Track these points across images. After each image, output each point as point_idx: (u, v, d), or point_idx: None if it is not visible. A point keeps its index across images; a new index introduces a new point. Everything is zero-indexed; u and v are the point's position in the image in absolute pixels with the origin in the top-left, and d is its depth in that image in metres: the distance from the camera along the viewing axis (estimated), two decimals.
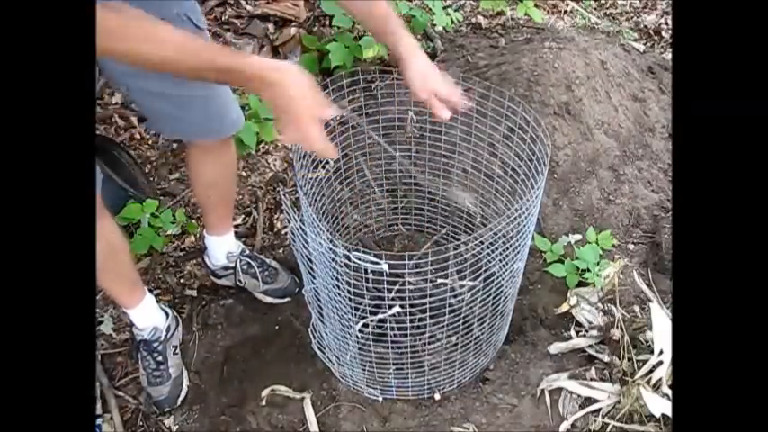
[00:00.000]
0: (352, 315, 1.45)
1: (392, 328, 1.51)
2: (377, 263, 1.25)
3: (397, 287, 1.51)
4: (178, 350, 1.74)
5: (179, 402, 1.67)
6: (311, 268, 1.41)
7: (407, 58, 1.31)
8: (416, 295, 1.46)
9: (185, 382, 1.71)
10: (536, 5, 2.58)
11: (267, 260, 1.89)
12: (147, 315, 1.68)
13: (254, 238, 2.05)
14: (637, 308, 1.73)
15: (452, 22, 2.63)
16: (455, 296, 1.57)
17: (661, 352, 1.46)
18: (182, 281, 1.96)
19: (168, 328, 1.71)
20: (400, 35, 1.31)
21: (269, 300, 1.87)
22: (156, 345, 1.68)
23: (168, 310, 1.75)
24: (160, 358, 1.68)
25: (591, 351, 1.64)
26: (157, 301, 1.73)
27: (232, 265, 1.86)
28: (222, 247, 1.84)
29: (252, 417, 1.61)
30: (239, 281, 1.87)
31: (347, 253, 1.25)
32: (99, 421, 1.63)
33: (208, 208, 1.79)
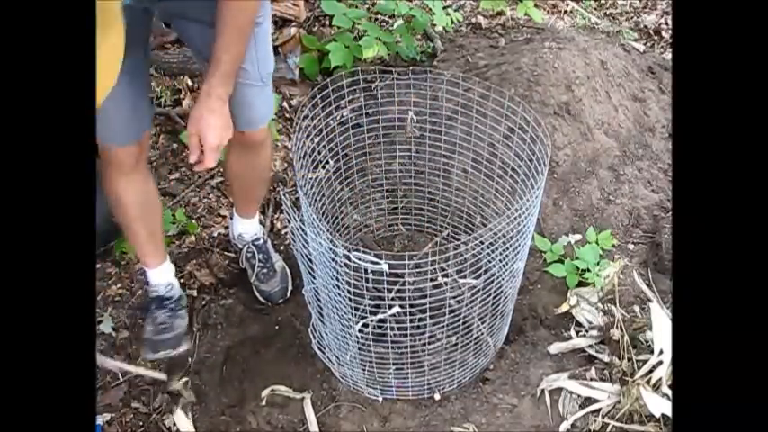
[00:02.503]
0: (352, 315, 1.45)
1: (392, 328, 1.51)
2: (377, 263, 1.25)
3: (397, 287, 1.51)
4: (185, 314, 1.79)
5: (179, 350, 1.73)
6: (311, 268, 1.42)
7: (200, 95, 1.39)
8: (416, 295, 1.46)
9: (186, 343, 1.75)
10: (536, 5, 2.58)
11: (273, 259, 1.90)
12: (165, 274, 1.76)
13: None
14: (637, 308, 1.74)
15: (452, 22, 2.63)
16: (455, 296, 1.57)
17: (661, 352, 1.46)
18: (182, 281, 1.96)
19: (181, 296, 1.80)
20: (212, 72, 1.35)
21: (255, 292, 1.89)
22: (167, 302, 1.75)
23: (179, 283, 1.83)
24: (170, 313, 1.74)
25: (591, 351, 1.64)
26: None
27: (240, 246, 1.91)
28: (237, 228, 1.90)
29: (252, 417, 1.61)
30: (241, 262, 1.93)
31: (347, 253, 1.25)
32: (99, 421, 1.63)
33: (232, 192, 1.91)
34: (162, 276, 1.75)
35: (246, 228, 1.88)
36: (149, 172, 1.65)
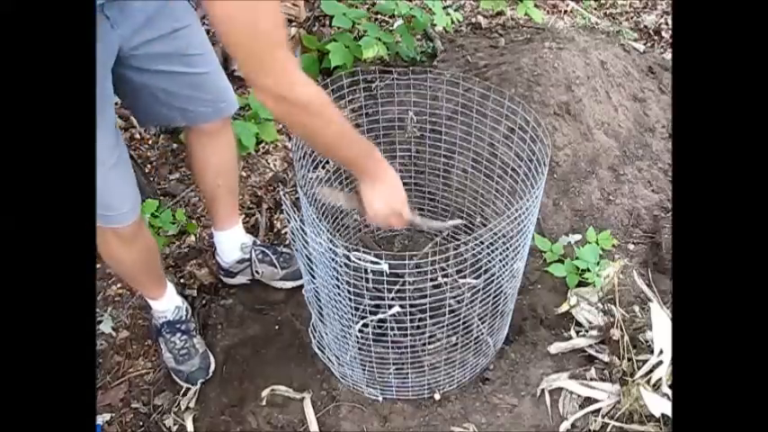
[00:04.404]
0: (352, 315, 1.45)
1: (392, 328, 1.51)
2: (377, 263, 1.25)
3: (397, 287, 1.51)
4: (197, 332, 1.77)
5: (210, 374, 1.71)
6: (311, 268, 1.41)
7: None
8: (416, 295, 1.46)
9: (212, 358, 1.74)
10: (536, 5, 2.58)
11: (278, 247, 1.90)
12: (170, 299, 1.73)
13: (257, 239, 2.05)
14: (637, 308, 1.74)
15: (452, 22, 2.63)
16: (455, 296, 1.57)
17: (661, 352, 1.46)
18: (182, 281, 1.96)
19: (187, 310, 1.76)
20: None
21: (288, 285, 1.87)
22: (179, 325, 1.72)
23: (182, 298, 1.79)
24: (185, 336, 1.71)
25: (591, 351, 1.64)
26: None
27: (247, 256, 1.86)
28: (235, 240, 1.84)
29: (252, 417, 1.61)
30: (256, 272, 1.87)
31: (347, 253, 1.25)
32: (99, 421, 1.63)
33: (217, 199, 1.77)
34: (168, 303, 1.72)
35: (242, 236, 1.86)
36: (146, 227, 1.60)
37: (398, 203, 1.37)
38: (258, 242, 1.89)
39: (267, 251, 1.86)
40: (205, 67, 1.47)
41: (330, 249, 1.28)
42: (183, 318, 1.73)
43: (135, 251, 1.53)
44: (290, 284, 1.87)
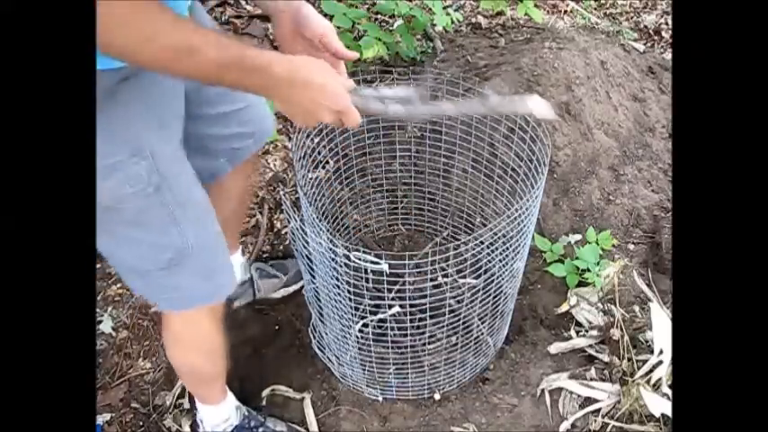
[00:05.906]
0: (352, 315, 1.45)
1: (392, 328, 1.51)
2: (377, 263, 1.25)
3: (397, 287, 1.51)
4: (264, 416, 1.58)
5: None
6: (311, 268, 1.42)
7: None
8: (416, 295, 1.46)
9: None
10: (536, 5, 2.58)
11: (270, 258, 1.90)
12: (231, 400, 1.52)
13: (256, 238, 2.05)
14: (637, 308, 1.74)
15: (452, 22, 2.63)
16: (455, 296, 1.57)
17: (661, 352, 1.46)
18: None
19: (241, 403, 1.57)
20: None
21: (292, 289, 1.85)
22: (249, 422, 1.52)
23: None
24: (262, 428, 1.52)
25: (591, 351, 1.64)
26: None
27: (248, 276, 1.81)
28: (236, 263, 1.74)
29: None
30: (257, 290, 1.82)
31: (347, 253, 1.25)
32: (99, 421, 1.63)
33: (226, 227, 1.56)
34: (229, 405, 1.50)
35: (240, 258, 1.79)
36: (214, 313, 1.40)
37: (329, 100, 0.96)
38: (251, 258, 1.86)
39: (262, 265, 1.84)
40: (246, 99, 1.37)
41: (330, 249, 1.28)
42: (247, 414, 1.53)
43: (220, 328, 1.34)
44: (293, 288, 1.86)
